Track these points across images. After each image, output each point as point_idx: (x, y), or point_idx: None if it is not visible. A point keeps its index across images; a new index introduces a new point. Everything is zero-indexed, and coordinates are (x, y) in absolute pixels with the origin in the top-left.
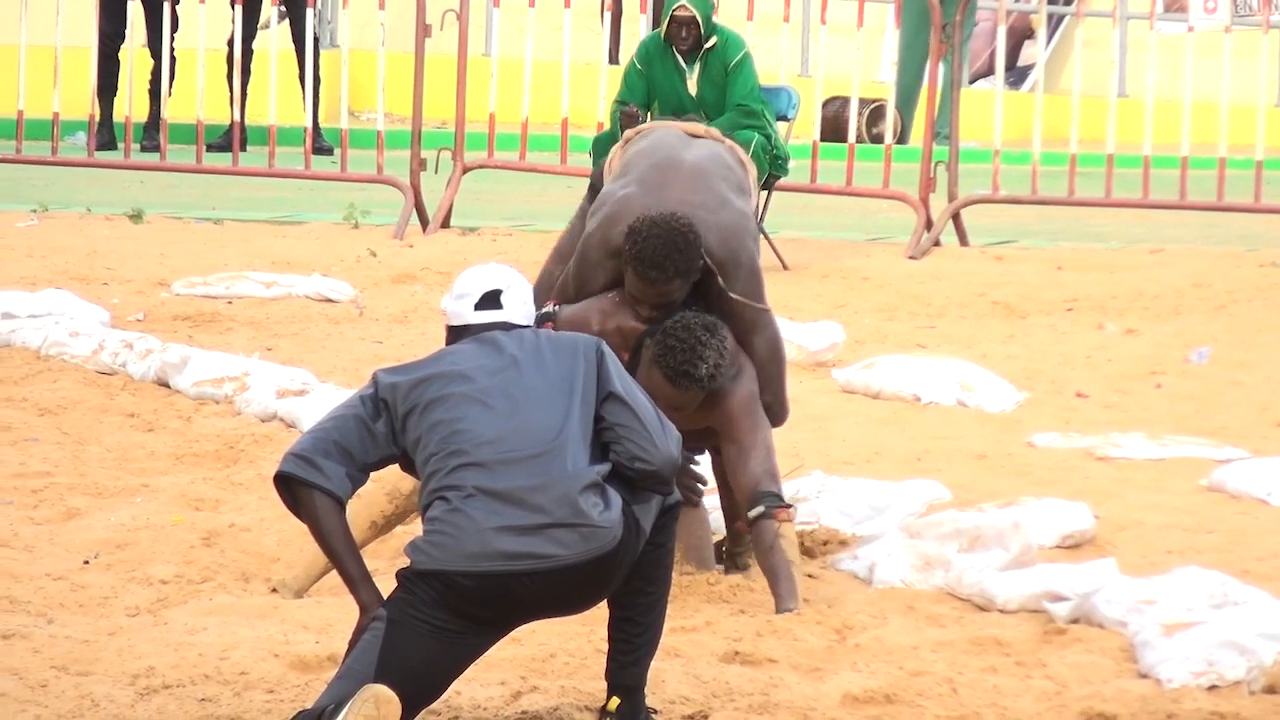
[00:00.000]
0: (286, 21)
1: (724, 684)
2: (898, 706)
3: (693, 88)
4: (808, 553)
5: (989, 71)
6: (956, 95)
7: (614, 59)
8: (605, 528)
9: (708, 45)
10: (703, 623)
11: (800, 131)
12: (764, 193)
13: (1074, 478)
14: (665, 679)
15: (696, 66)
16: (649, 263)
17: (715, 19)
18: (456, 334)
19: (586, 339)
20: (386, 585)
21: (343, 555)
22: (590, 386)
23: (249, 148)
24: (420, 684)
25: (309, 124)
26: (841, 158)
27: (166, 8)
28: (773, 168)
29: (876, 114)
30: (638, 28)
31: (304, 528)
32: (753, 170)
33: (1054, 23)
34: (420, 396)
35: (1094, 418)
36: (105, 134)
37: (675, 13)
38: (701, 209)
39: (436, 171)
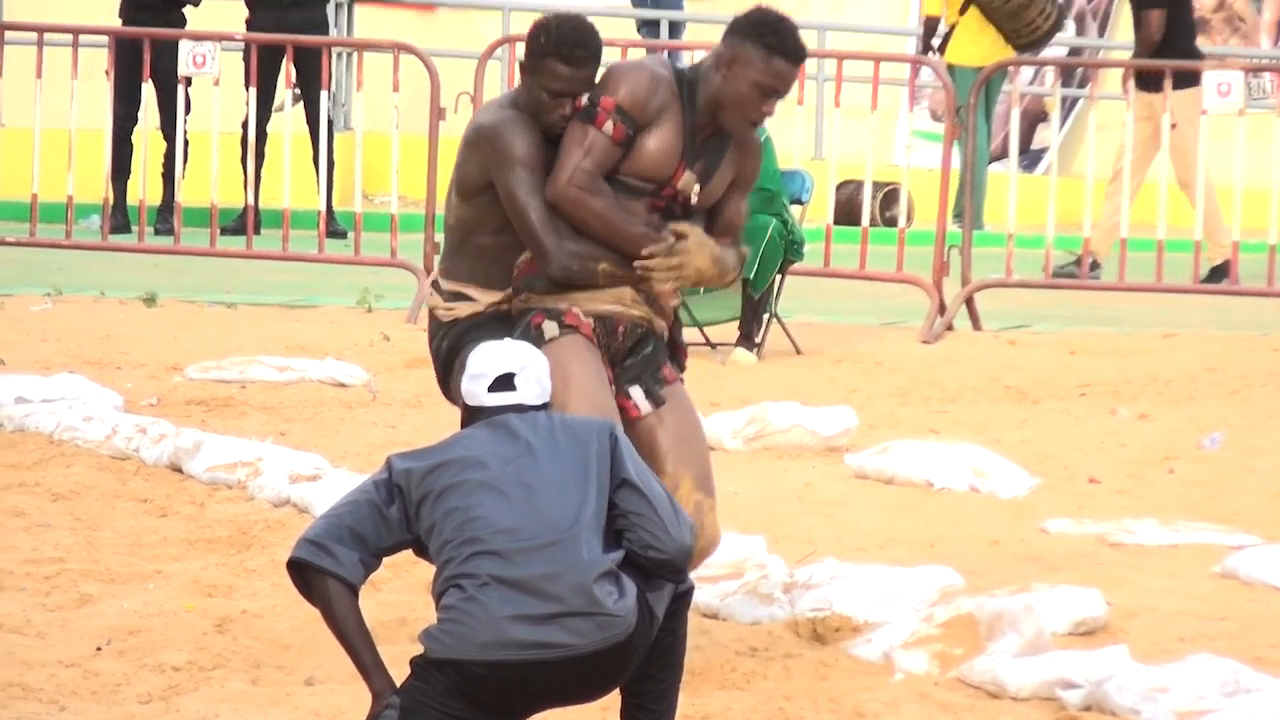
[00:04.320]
0: (301, 104)
1: None
2: None
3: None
4: (820, 639)
5: (1003, 154)
6: (970, 179)
7: None
8: (620, 616)
9: None
10: (717, 708)
11: (814, 215)
12: (778, 276)
13: (1086, 563)
14: None
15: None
16: (574, 42)
17: None
18: (472, 414)
19: (600, 423)
20: (399, 672)
21: (355, 642)
22: (604, 473)
23: (263, 231)
24: None
25: (323, 207)
26: (855, 241)
27: (180, 90)
28: (788, 252)
29: (890, 198)
30: None
31: (317, 614)
32: None
33: (1068, 106)
34: (434, 483)
35: (1107, 503)
36: (119, 217)
37: None
38: None
39: None
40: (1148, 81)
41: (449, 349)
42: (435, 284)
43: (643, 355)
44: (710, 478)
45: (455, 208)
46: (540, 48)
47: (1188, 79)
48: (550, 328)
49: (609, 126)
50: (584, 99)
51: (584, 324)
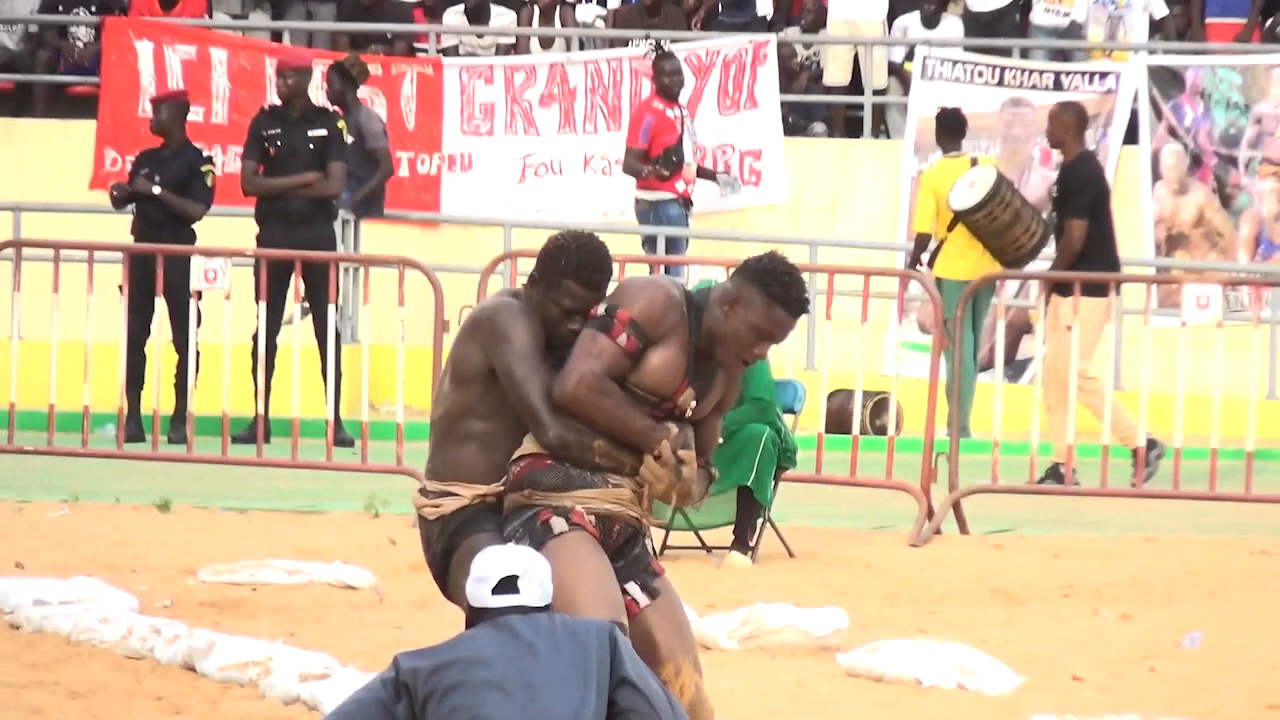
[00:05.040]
0: (309, 317)
1: None
2: None
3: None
4: None
5: (989, 365)
6: (957, 388)
7: None
8: None
9: None
10: None
11: (806, 424)
12: (772, 483)
13: None
14: None
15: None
16: (593, 267)
17: None
18: (476, 615)
19: (600, 624)
20: None
21: None
22: (604, 672)
23: (273, 439)
24: None
25: (331, 417)
26: (846, 449)
27: (193, 305)
28: (781, 459)
29: (880, 406)
30: None
31: None
32: None
33: None
34: (440, 682)
35: (1090, 700)
36: (134, 427)
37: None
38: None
39: None
40: (1064, 288)
41: (444, 551)
42: (422, 490)
43: (633, 555)
44: (699, 658)
45: (446, 397)
46: (560, 268)
47: (1098, 289)
48: (558, 523)
49: (623, 339)
50: (600, 309)
51: (588, 523)
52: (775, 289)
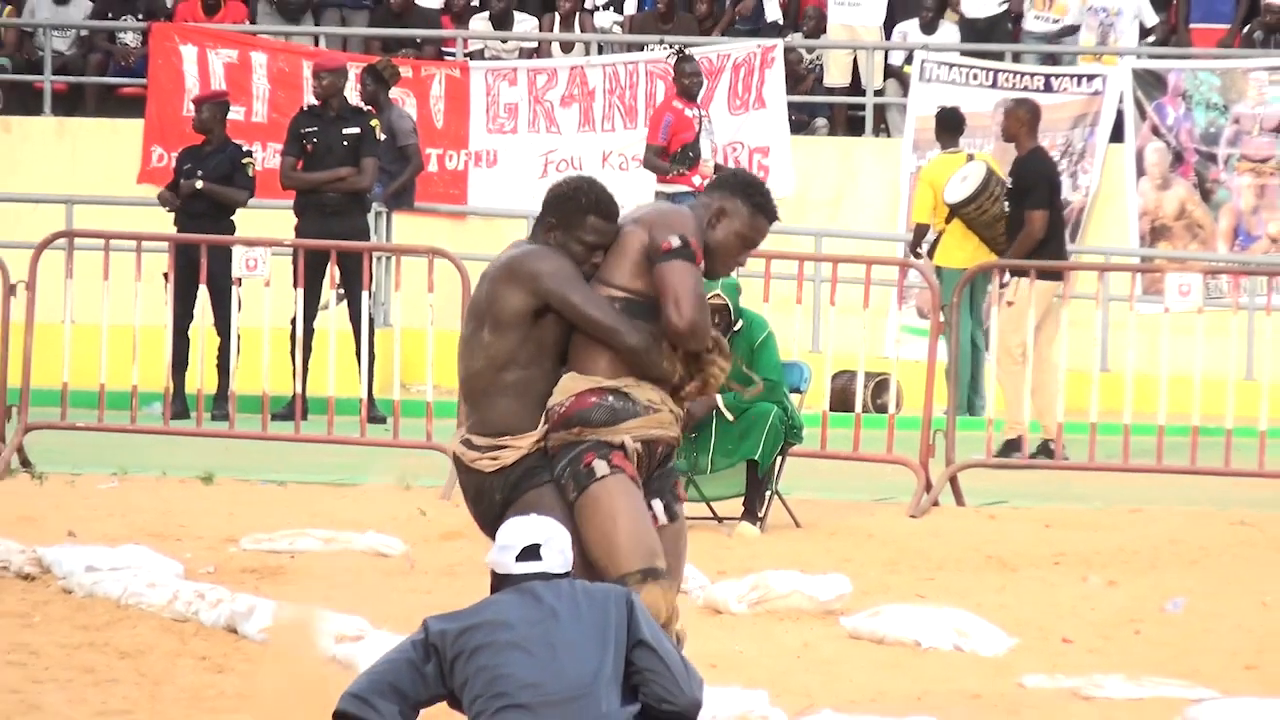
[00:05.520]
0: (344, 303)
1: None
2: None
3: None
4: None
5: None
6: (954, 369)
7: None
8: None
9: (735, 328)
10: None
11: (811, 402)
12: (780, 458)
13: (1060, 716)
14: None
15: None
16: (609, 200)
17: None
18: (500, 581)
19: (618, 590)
20: None
21: None
22: (621, 634)
23: (310, 417)
24: None
25: (364, 396)
26: (849, 426)
27: (234, 291)
28: (788, 436)
29: (881, 386)
30: None
31: None
32: None
33: None
34: (467, 643)
35: (1079, 661)
36: (179, 405)
37: (709, 301)
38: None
39: None
40: (1020, 274)
41: (504, 502)
42: (467, 442)
43: (666, 470)
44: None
45: (487, 346)
46: (581, 206)
47: (1054, 274)
48: (600, 466)
49: (701, 265)
50: (674, 240)
51: (628, 465)
52: (758, 199)
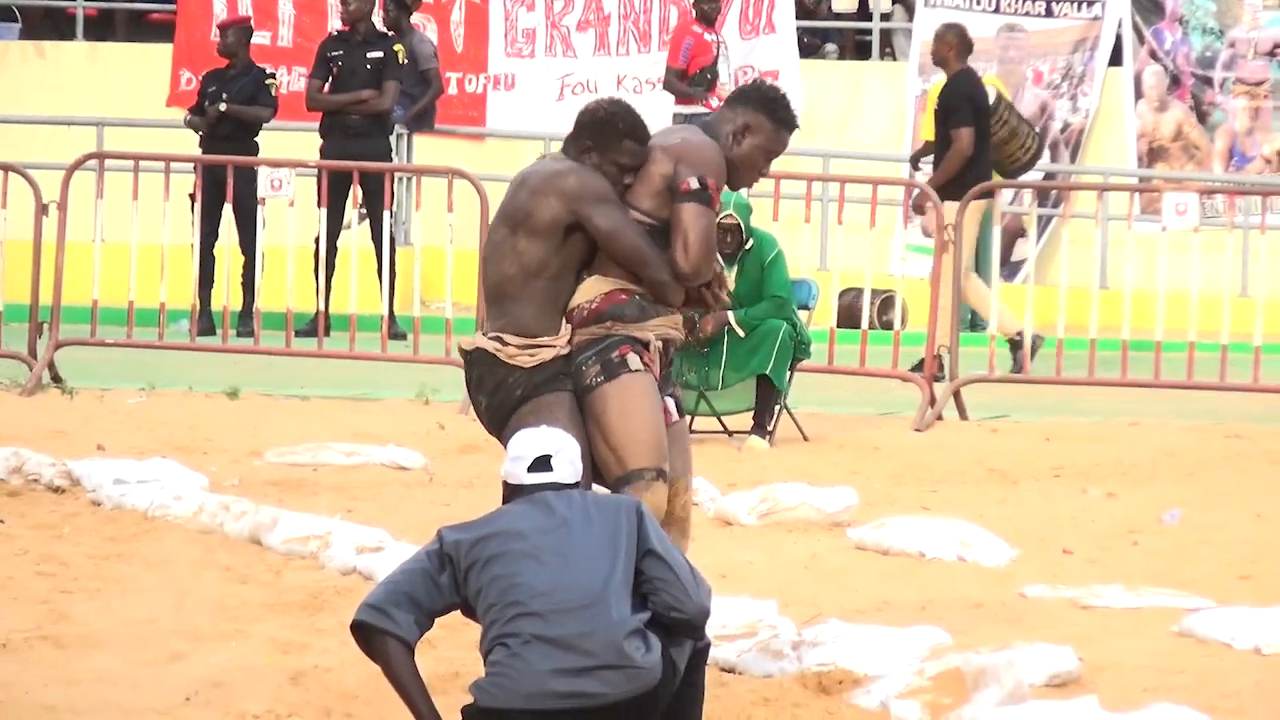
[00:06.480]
0: (366, 223)
1: None
2: None
3: (731, 283)
4: (825, 691)
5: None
6: (955, 287)
7: None
8: (647, 669)
9: (746, 247)
10: None
11: (819, 319)
12: (789, 373)
13: (1060, 624)
14: None
15: (735, 266)
16: (641, 124)
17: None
18: (512, 492)
19: (628, 500)
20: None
21: (412, 694)
22: (631, 544)
23: (332, 333)
24: None
25: (385, 313)
26: (855, 342)
27: (260, 211)
28: (797, 351)
29: (887, 304)
30: None
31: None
32: None
33: (1043, 223)
34: (481, 553)
35: (1078, 571)
36: (205, 322)
37: (722, 221)
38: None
39: None
40: (949, 192)
41: (522, 396)
42: (498, 339)
43: (670, 370)
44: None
45: (520, 252)
46: (618, 130)
47: (986, 193)
48: (634, 360)
49: (717, 207)
50: (693, 183)
51: (654, 366)
52: (781, 113)
